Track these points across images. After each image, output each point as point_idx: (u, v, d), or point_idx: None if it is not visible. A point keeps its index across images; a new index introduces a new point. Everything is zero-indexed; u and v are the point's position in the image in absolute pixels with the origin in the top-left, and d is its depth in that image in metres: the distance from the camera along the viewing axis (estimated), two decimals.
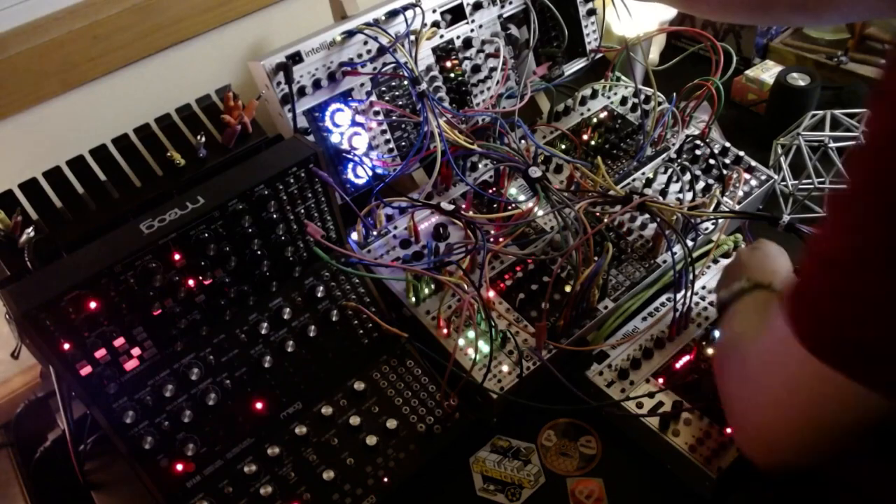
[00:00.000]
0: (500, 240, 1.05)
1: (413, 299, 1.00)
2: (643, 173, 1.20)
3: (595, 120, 1.28)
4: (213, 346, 0.90)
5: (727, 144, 1.23)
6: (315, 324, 0.95)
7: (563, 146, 1.23)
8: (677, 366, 0.95)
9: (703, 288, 1.04)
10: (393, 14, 1.08)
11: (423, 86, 1.06)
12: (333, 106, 1.07)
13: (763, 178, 1.19)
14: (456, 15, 1.18)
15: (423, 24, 1.12)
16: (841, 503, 0.74)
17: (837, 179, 1.17)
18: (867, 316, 0.51)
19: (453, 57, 1.19)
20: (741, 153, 1.21)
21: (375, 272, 1.02)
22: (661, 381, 0.93)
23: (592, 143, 1.24)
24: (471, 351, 0.94)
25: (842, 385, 0.53)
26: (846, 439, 0.58)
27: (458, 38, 1.19)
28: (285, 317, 0.94)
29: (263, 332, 0.92)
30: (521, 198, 1.14)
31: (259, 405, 0.90)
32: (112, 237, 0.82)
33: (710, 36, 1.21)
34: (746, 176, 1.18)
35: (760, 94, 1.43)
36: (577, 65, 1.34)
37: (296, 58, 1.02)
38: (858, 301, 0.51)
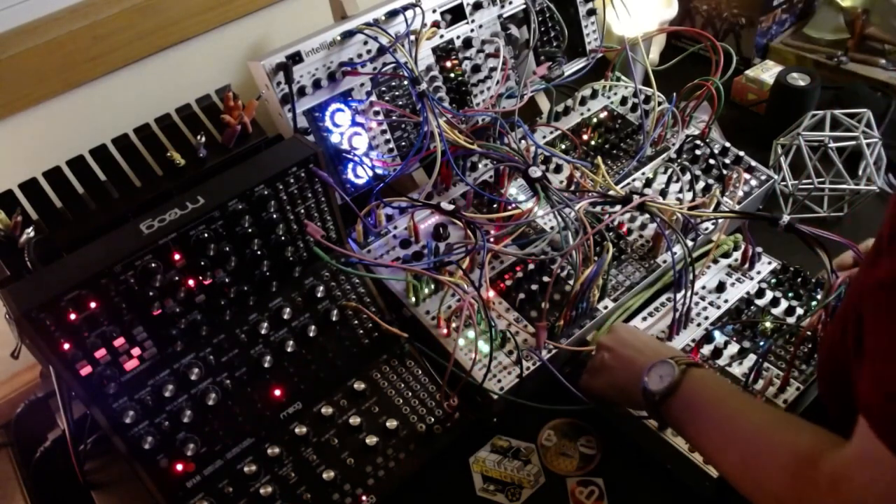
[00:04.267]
0: (501, 239, 1.04)
1: (413, 299, 1.00)
2: (643, 173, 1.20)
3: (595, 120, 1.28)
4: (213, 346, 0.90)
5: (727, 144, 1.23)
6: (315, 324, 0.95)
7: (563, 146, 1.23)
8: None
9: (703, 288, 1.04)
10: (393, 14, 1.08)
11: (423, 86, 1.06)
12: (333, 106, 1.07)
13: (763, 178, 1.19)
14: (456, 15, 1.18)
15: (423, 24, 1.12)
16: None
17: (837, 180, 1.17)
18: None
19: (453, 57, 1.19)
20: (741, 153, 1.21)
21: (375, 272, 1.02)
22: None
23: (592, 143, 1.24)
24: (471, 351, 0.94)
25: None
26: None
27: (458, 38, 1.19)
28: (285, 317, 0.94)
29: (263, 332, 0.92)
30: (521, 198, 1.14)
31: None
32: (112, 237, 0.82)
33: (710, 36, 1.21)
34: (746, 176, 1.18)
35: (760, 94, 1.43)
36: (577, 65, 1.34)
37: (296, 58, 1.02)
38: None
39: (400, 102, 1.14)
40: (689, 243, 0.99)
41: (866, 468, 0.55)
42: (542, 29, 1.28)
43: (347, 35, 1.06)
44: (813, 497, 0.60)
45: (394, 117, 1.13)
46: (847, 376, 0.68)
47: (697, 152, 1.20)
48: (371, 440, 0.89)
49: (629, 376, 0.82)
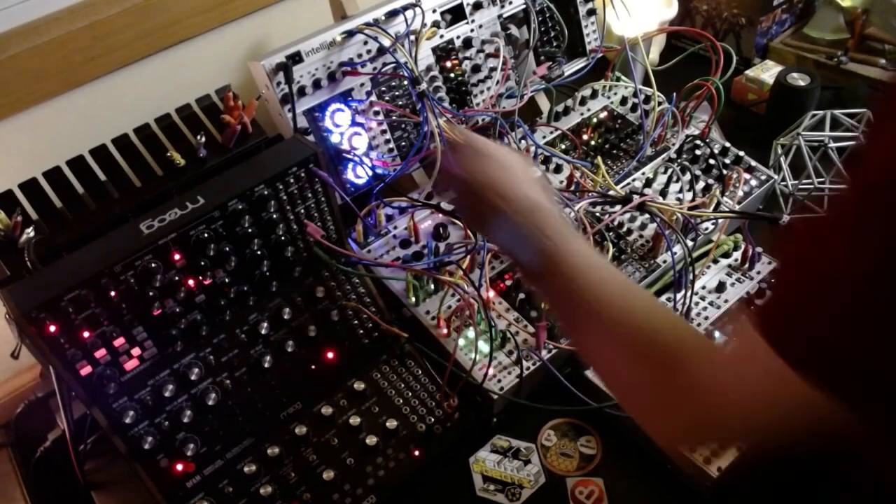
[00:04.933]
0: None
1: (413, 299, 1.00)
2: (643, 173, 1.20)
3: (595, 120, 1.28)
4: (213, 346, 0.90)
5: (727, 144, 1.23)
6: (315, 324, 0.95)
7: (563, 146, 1.23)
8: None
9: (703, 288, 1.04)
10: (393, 14, 1.08)
11: (423, 86, 1.06)
12: (333, 106, 1.07)
13: (763, 178, 1.19)
14: (456, 15, 1.18)
15: (423, 24, 1.12)
16: (839, 502, 0.74)
17: (837, 179, 1.17)
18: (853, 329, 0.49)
19: (453, 57, 1.19)
20: (741, 153, 1.21)
21: (375, 272, 1.02)
22: None
23: (592, 143, 1.24)
24: (471, 351, 0.94)
25: (806, 392, 0.50)
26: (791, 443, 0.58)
27: (458, 38, 1.19)
28: (285, 317, 0.94)
29: (263, 332, 0.92)
30: None
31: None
32: (112, 237, 0.82)
33: (710, 36, 1.21)
34: (746, 176, 1.18)
35: (760, 94, 1.43)
36: (577, 65, 1.34)
37: (296, 58, 1.02)
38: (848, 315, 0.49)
39: (400, 102, 1.14)
40: (689, 243, 0.99)
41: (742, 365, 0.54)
42: (542, 29, 1.28)
43: (347, 35, 1.06)
44: (680, 401, 0.58)
45: (394, 117, 1.13)
46: None
47: (697, 152, 1.20)
48: (371, 440, 0.89)
49: (512, 235, 0.70)
